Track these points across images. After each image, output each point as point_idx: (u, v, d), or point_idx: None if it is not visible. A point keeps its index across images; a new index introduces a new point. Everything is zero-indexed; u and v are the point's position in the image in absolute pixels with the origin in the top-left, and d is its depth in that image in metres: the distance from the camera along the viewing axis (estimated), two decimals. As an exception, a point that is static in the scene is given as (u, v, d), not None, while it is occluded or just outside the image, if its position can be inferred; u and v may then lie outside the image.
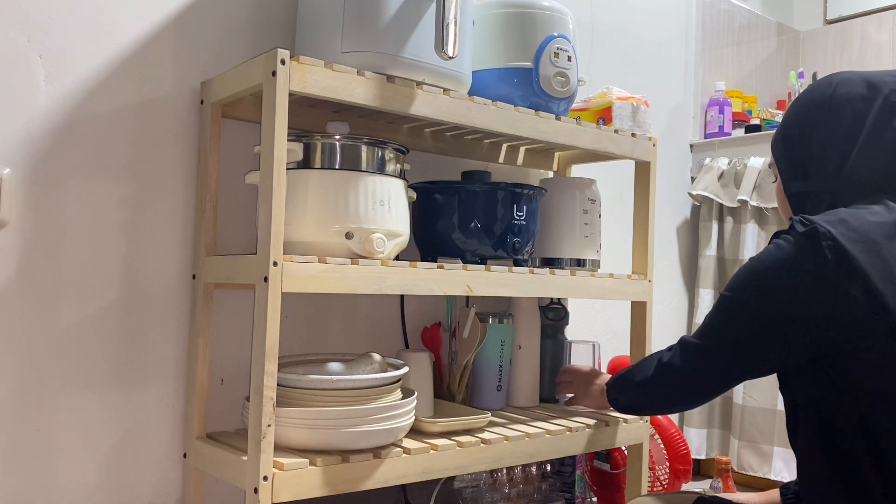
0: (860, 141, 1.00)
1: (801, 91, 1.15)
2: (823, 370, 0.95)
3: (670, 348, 1.12)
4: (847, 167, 1.01)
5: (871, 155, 1.00)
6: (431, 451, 1.25)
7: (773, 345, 0.97)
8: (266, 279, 1.07)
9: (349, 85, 1.15)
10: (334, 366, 1.30)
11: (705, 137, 2.41)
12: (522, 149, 1.74)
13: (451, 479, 1.60)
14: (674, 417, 2.17)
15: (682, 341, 1.09)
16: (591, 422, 1.50)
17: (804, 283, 0.93)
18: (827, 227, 0.92)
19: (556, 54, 1.43)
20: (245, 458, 1.11)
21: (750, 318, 0.98)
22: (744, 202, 2.20)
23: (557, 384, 1.58)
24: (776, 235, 0.99)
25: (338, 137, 1.21)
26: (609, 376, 1.35)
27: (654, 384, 1.13)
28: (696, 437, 2.24)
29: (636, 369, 1.20)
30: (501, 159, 1.72)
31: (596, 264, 1.62)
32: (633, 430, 1.56)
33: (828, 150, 1.03)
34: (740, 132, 2.37)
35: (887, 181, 1.00)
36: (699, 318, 2.27)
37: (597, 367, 1.68)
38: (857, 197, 1.00)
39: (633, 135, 1.58)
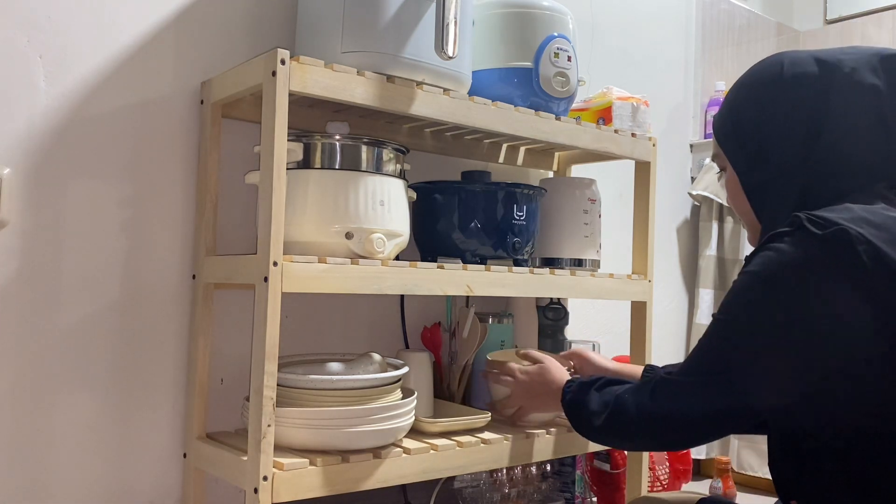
0: (827, 124, 0.91)
1: (744, 74, 1.04)
2: (849, 388, 0.85)
3: (642, 386, 1.00)
4: (819, 149, 0.91)
5: (842, 139, 0.91)
6: (431, 451, 1.25)
7: (798, 366, 0.84)
8: (266, 279, 1.07)
9: (349, 85, 1.15)
10: (334, 366, 1.30)
11: (705, 137, 2.41)
12: (522, 149, 1.74)
13: (451, 479, 1.60)
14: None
15: (662, 379, 0.96)
16: (591, 422, 1.50)
17: (836, 290, 0.81)
18: (856, 229, 0.81)
19: (556, 54, 1.43)
20: (245, 458, 1.11)
21: (769, 338, 0.85)
22: (744, 202, 2.20)
23: (493, 393, 1.43)
24: (772, 239, 0.87)
25: (338, 137, 1.21)
26: (562, 379, 1.23)
27: (629, 429, 1.00)
28: (696, 437, 2.24)
29: (592, 404, 1.05)
30: (501, 159, 1.72)
31: (596, 264, 1.62)
32: (633, 430, 1.55)
33: (790, 134, 0.93)
34: (740, 132, 2.37)
35: (866, 166, 0.91)
36: (699, 318, 2.27)
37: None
38: (839, 187, 0.90)
39: (633, 135, 1.58)
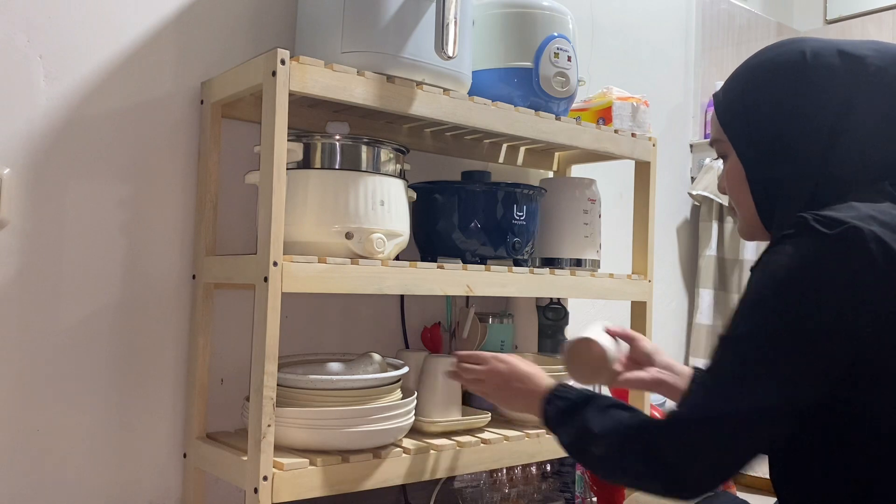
0: (851, 124, 0.86)
1: (756, 54, 0.95)
2: (864, 385, 0.81)
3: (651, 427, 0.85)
4: (839, 149, 0.87)
5: (863, 140, 0.86)
6: (431, 451, 1.25)
7: (823, 365, 0.80)
8: (266, 279, 1.07)
9: (349, 85, 1.15)
10: (334, 366, 1.30)
11: (705, 137, 2.41)
12: (522, 149, 1.74)
13: (451, 479, 1.60)
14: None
15: (679, 416, 0.83)
16: (591, 422, 1.50)
17: (853, 289, 0.78)
18: (867, 227, 0.78)
19: (556, 54, 1.43)
20: (245, 458, 1.11)
21: (792, 339, 0.79)
22: (744, 202, 2.20)
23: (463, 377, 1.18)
24: (781, 241, 0.82)
25: (338, 137, 1.21)
26: (545, 381, 1.05)
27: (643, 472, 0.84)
28: (696, 437, 2.24)
29: (593, 423, 0.90)
30: (501, 159, 1.72)
31: (596, 264, 1.62)
32: (633, 430, 1.55)
33: (812, 131, 0.87)
34: (740, 132, 2.37)
35: (876, 165, 0.86)
36: (699, 318, 2.27)
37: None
38: (846, 186, 0.86)
39: (633, 135, 1.58)
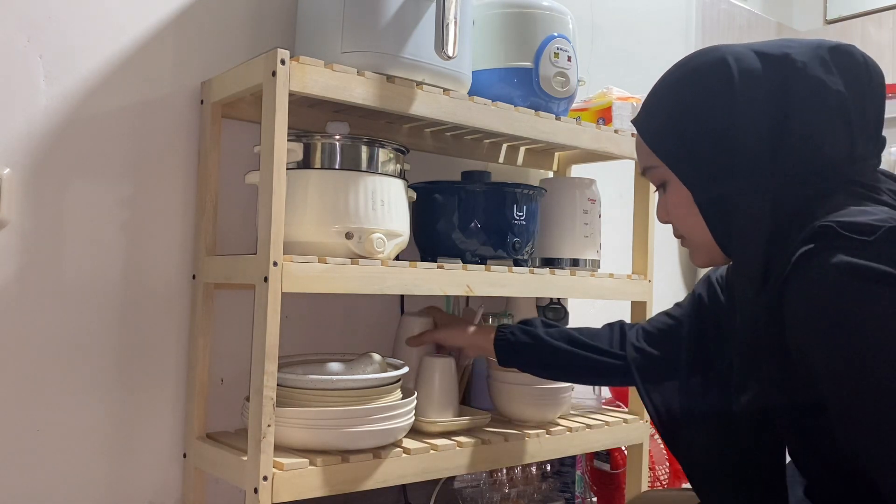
0: (790, 125, 0.84)
1: (671, 70, 0.93)
2: None
3: None
4: (786, 151, 0.84)
5: (807, 139, 0.83)
6: (431, 451, 1.25)
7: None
8: (266, 279, 1.07)
9: (349, 85, 1.15)
10: (334, 366, 1.30)
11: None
12: (522, 149, 1.74)
13: (451, 479, 1.60)
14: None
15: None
16: (591, 422, 1.50)
17: None
18: None
19: (556, 54, 1.43)
20: (245, 458, 1.11)
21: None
22: (744, 202, 2.20)
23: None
24: (807, 258, 0.73)
25: (338, 137, 1.21)
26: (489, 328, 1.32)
27: None
28: (696, 437, 2.23)
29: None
30: (501, 159, 1.72)
31: (596, 264, 1.62)
32: (633, 429, 1.56)
33: (754, 139, 0.84)
34: (740, 132, 2.37)
35: (832, 165, 0.83)
36: (699, 318, 2.27)
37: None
38: (809, 189, 0.83)
39: (633, 135, 1.58)
